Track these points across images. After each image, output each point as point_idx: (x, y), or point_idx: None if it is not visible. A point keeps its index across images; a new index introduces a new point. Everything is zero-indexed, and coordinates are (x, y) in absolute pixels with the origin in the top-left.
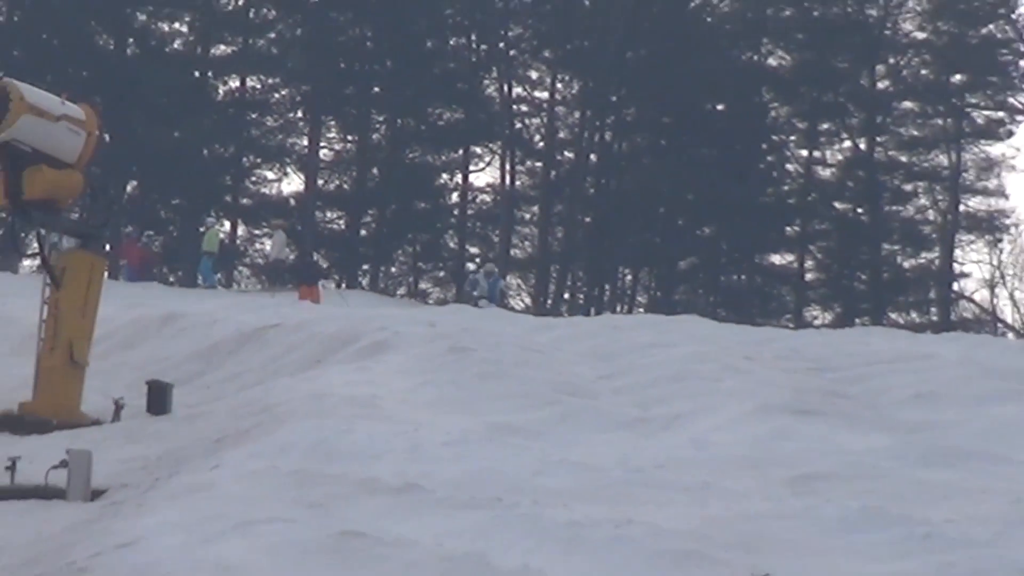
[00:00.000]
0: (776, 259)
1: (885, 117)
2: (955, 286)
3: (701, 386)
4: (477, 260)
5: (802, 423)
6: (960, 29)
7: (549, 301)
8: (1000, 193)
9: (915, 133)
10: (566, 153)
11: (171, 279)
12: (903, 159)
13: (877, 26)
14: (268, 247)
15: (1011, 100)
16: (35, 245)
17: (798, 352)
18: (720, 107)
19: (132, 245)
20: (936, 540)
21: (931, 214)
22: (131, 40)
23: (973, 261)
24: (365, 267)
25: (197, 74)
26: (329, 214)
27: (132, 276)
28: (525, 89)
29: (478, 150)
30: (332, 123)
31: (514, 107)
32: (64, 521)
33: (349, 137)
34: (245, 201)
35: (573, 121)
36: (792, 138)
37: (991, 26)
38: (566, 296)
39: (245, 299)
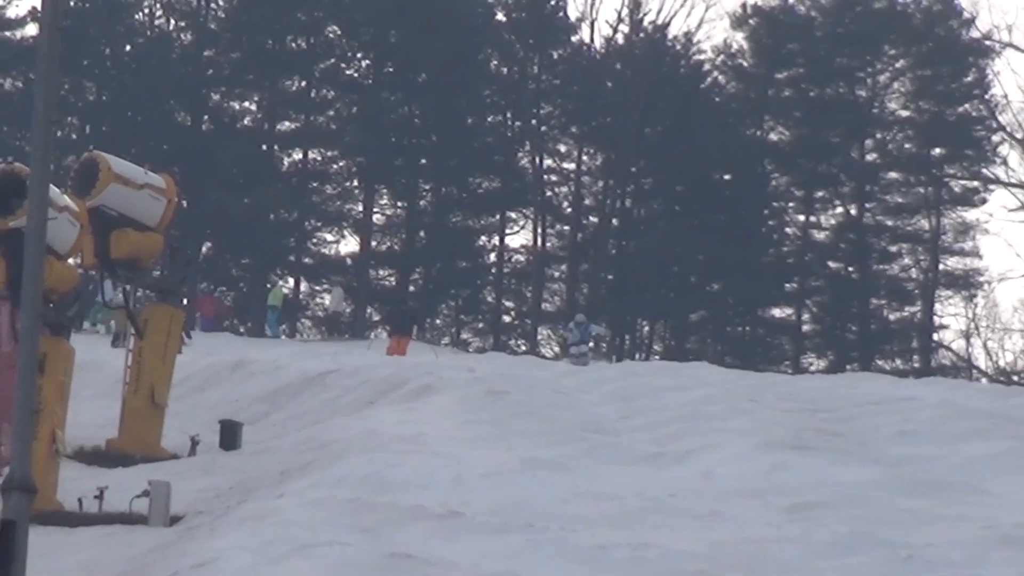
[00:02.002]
0: (776, 312)
1: (873, 186)
2: (935, 336)
3: (710, 425)
4: (576, 316)
5: (799, 457)
6: (940, 108)
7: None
8: (975, 254)
9: (900, 200)
10: (591, 218)
11: (241, 330)
12: (889, 223)
13: (866, 105)
14: (327, 301)
15: (985, 171)
16: (121, 299)
17: (796, 395)
18: (727, 176)
19: (207, 299)
20: (917, 561)
21: (914, 272)
22: (206, 117)
23: (951, 314)
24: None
25: (265, 147)
26: (381, 272)
27: (206, 327)
28: (555, 161)
29: (513, 215)
30: (384, 191)
31: (545, 177)
32: (146, 544)
33: (399, 203)
34: (307, 260)
35: (597, 189)
36: (791, 204)
37: (967, 105)
38: (591, 345)
39: (307, 348)
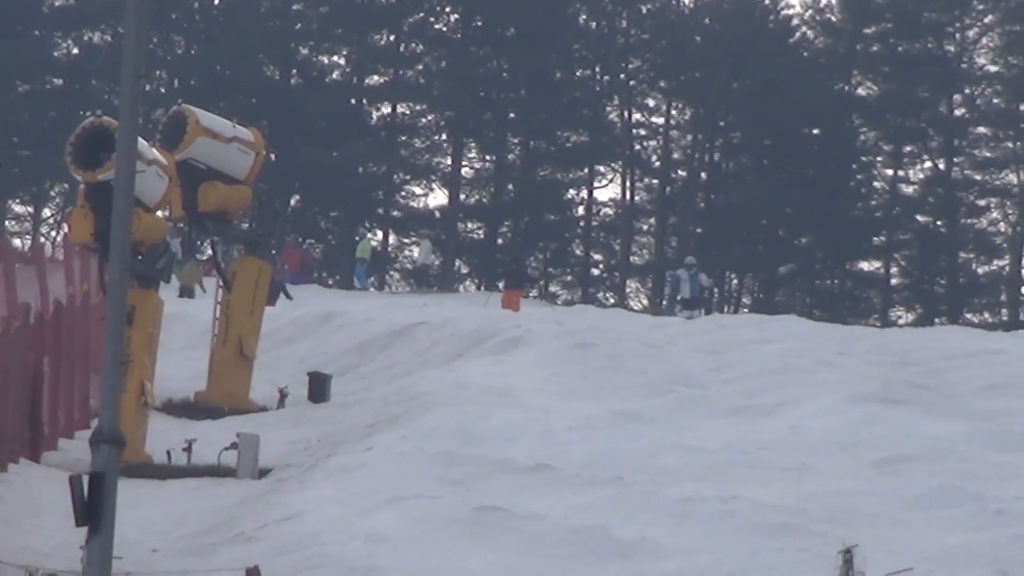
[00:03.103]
0: (865, 266)
1: (962, 140)
2: (1023, 290)
3: (798, 378)
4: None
5: (888, 411)
6: None
7: (664, 302)
8: None
9: (988, 155)
10: (679, 172)
11: (329, 282)
12: (977, 178)
13: (955, 60)
14: (416, 254)
15: None
16: (209, 251)
17: (884, 348)
18: (815, 131)
19: (292, 251)
20: (1007, 515)
21: (1002, 226)
22: (295, 71)
23: None
24: (501, 271)
25: (353, 101)
26: (470, 225)
27: (293, 279)
28: (643, 115)
29: (601, 169)
30: (472, 144)
31: (633, 131)
32: (234, 496)
33: (487, 157)
34: (395, 213)
35: (686, 143)
36: (879, 159)
37: None
38: (678, 298)
39: (395, 300)
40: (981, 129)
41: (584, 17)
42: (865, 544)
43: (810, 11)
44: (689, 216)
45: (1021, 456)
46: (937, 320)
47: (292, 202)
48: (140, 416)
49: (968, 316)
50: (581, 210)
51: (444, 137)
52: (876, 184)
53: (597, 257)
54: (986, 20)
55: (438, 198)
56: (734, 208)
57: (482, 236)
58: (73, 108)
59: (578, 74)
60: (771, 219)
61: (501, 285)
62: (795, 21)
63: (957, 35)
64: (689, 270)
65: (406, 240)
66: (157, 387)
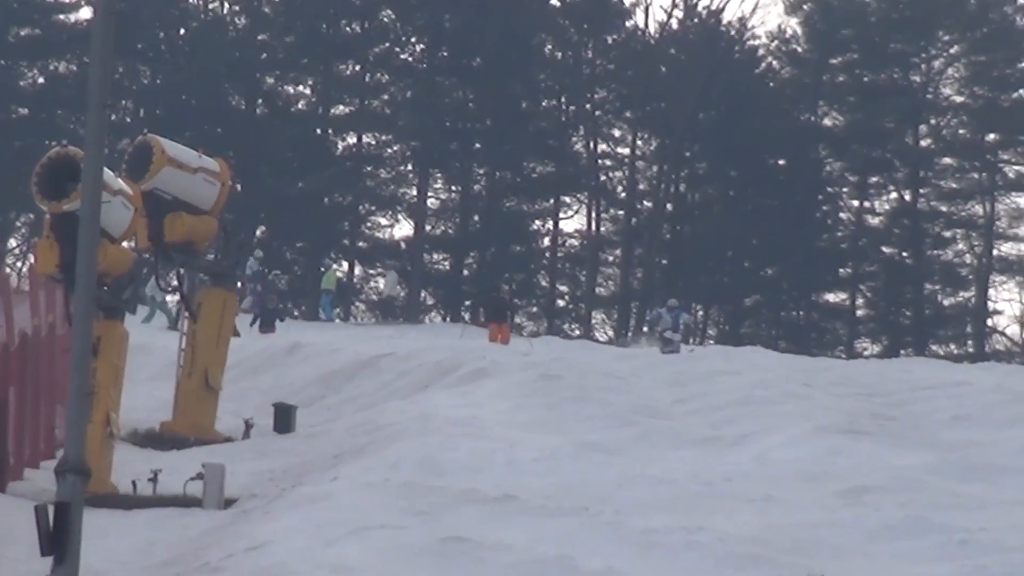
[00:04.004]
0: (831, 297)
1: (927, 171)
2: (989, 321)
3: (764, 409)
4: (669, 301)
5: (853, 442)
6: (994, 93)
7: (630, 333)
8: None
9: (954, 186)
10: (645, 202)
11: (295, 313)
12: (943, 209)
13: (920, 90)
14: (381, 285)
15: None
16: (175, 283)
17: (850, 379)
18: (781, 162)
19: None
20: (972, 546)
21: (968, 258)
22: (260, 100)
23: (1005, 300)
24: (467, 303)
25: (319, 131)
26: (436, 256)
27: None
28: (609, 145)
29: (567, 199)
30: (438, 175)
31: (599, 161)
32: (200, 526)
33: (453, 187)
34: (361, 244)
35: (651, 174)
36: (845, 190)
37: (1021, 91)
38: (645, 329)
39: (361, 331)
40: (947, 160)
41: (550, 47)
42: (830, 575)
43: (776, 41)
44: (655, 247)
45: (986, 487)
46: (903, 352)
47: (258, 232)
48: (106, 446)
49: (934, 348)
50: (547, 241)
51: (410, 167)
52: (842, 215)
53: (563, 288)
54: (952, 51)
55: (404, 229)
56: (700, 239)
57: (448, 267)
58: (39, 138)
59: (544, 104)
60: (737, 250)
61: (482, 318)
62: (761, 51)
63: (923, 66)
64: (671, 311)
65: (372, 271)
66: (123, 418)
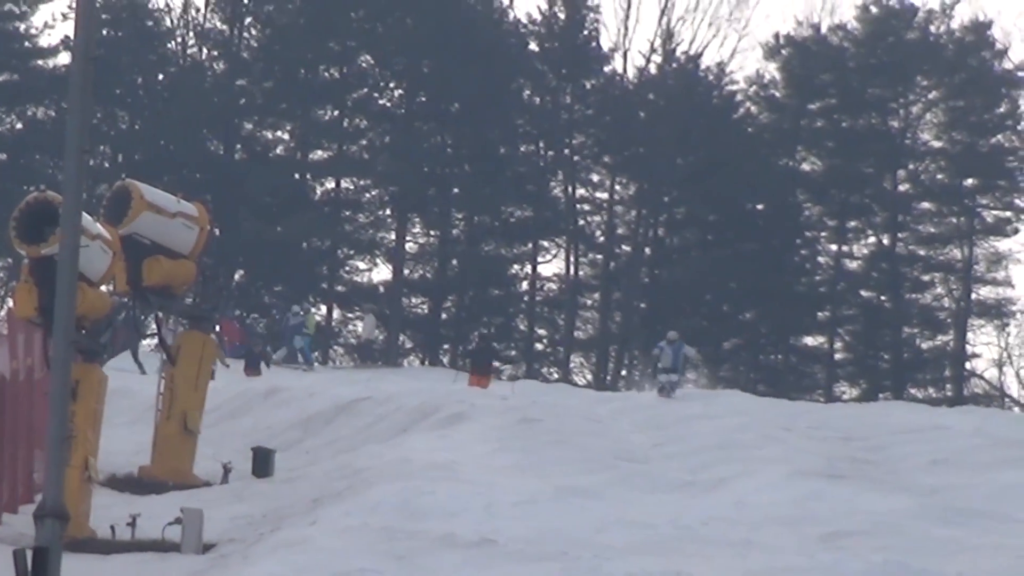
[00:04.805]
0: (809, 341)
1: (906, 216)
2: (967, 365)
3: (743, 453)
4: (668, 335)
5: (832, 486)
6: (972, 139)
7: (608, 377)
8: (1007, 283)
9: (932, 230)
10: (623, 247)
11: (273, 357)
12: (922, 253)
13: (898, 136)
14: (360, 329)
15: (1017, 201)
16: (153, 327)
17: (828, 423)
18: (760, 206)
19: (230, 324)
20: None
21: (946, 302)
22: (239, 146)
23: (983, 343)
24: (446, 347)
25: (297, 176)
26: (414, 299)
27: (235, 353)
28: (587, 190)
29: (545, 244)
30: (417, 219)
31: (577, 206)
32: (178, 571)
33: (432, 232)
34: (340, 288)
35: (630, 218)
36: (823, 234)
37: (1000, 136)
38: (623, 373)
39: (339, 375)
40: (925, 204)
41: (528, 92)
42: None
43: (754, 87)
44: (633, 291)
45: (965, 531)
46: (881, 395)
47: (236, 276)
48: (84, 491)
49: (912, 391)
50: (525, 285)
51: (388, 212)
52: (820, 259)
53: (541, 332)
54: (930, 96)
55: (382, 273)
56: (678, 283)
57: (426, 311)
58: (17, 183)
59: (522, 149)
60: (715, 294)
61: (468, 366)
62: (739, 97)
63: (901, 111)
64: (671, 344)
65: (350, 315)
66: (101, 462)
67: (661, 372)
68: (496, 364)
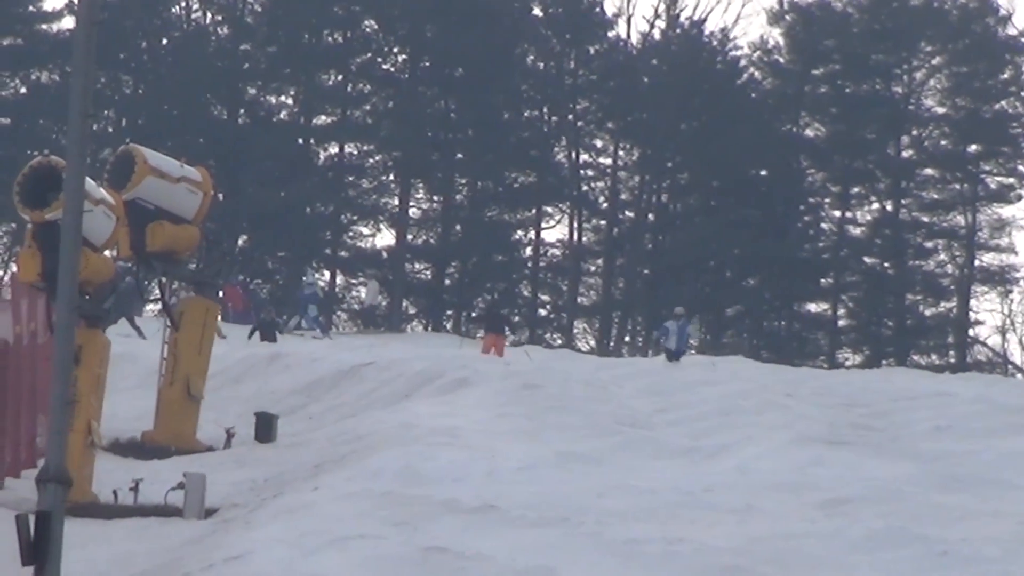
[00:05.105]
0: (812, 307)
1: (909, 182)
2: (970, 332)
3: (745, 419)
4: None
5: (834, 452)
6: (976, 105)
7: (611, 343)
8: (1011, 250)
9: (936, 196)
10: (627, 212)
11: (288, 326)
12: (925, 219)
13: (902, 102)
14: (363, 294)
15: (1020, 167)
16: (157, 292)
17: (831, 390)
18: (763, 172)
19: (234, 290)
20: (952, 557)
21: (949, 268)
22: (242, 111)
23: (987, 310)
24: (449, 312)
25: (301, 141)
26: (417, 265)
27: (237, 318)
28: (591, 156)
29: (549, 209)
30: (420, 185)
31: (581, 172)
32: (181, 536)
33: (435, 197)
34: (343, 254)
35: (633, 184)
36: (827, 200)
37: (1003, 102)
38: (627, 339)
39: (342, 340)
40: (929, 171)
41: (532, 58)
42: None
43: (758, 52)
44: (636, 257)
45: (967, 498)
46: (884, 362)
47: (240, 242)
48: (87, 456)
49: (915, 358)
50: (529, 251)
51: (392, 177)
52: (824, 226)
53: (544, 298)
54: (934, 62)
55: (385, 238)
56: (681, 249)
57: (430, 277)
58: (21, 147)
59: (526, 115)
60: (718, 260)
61: (481, 330)
62: (743, 62)
63: (905, 77)
64: (677, 320)
65: (353, 280)
66: (104, 427)
67: (666, 355)
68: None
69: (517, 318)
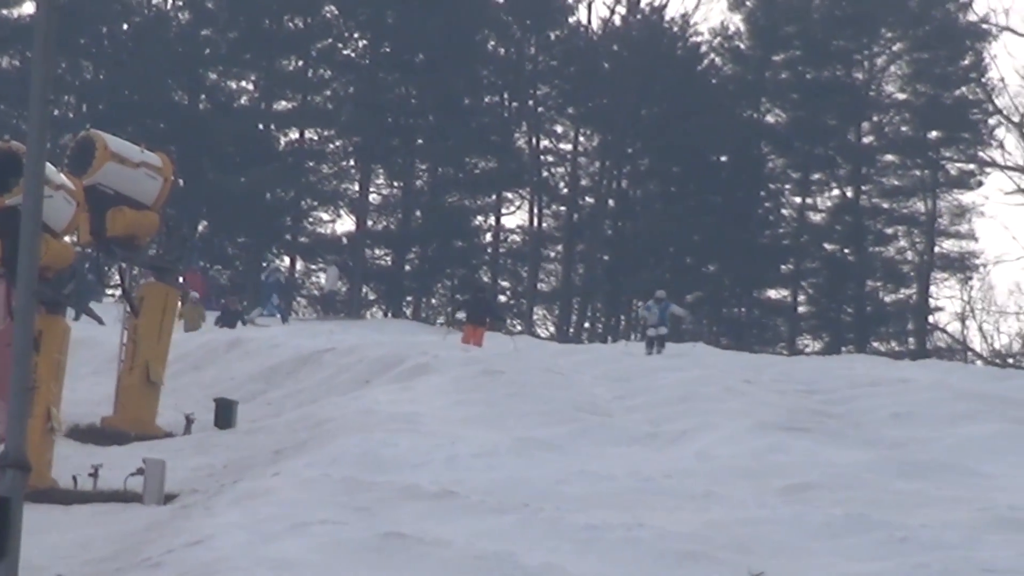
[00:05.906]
0: (772, 294)
1: (869, 168)
2: (930, 319)
3: (705, 406)
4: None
5: (794, 439)
6: (936, 91)
7: (571, 329)
8: (971, 236)
9: (896, 183)
10: (587, 198)
11: (249, 315)
12: (885, 206)
13: (863, 88)
14: (323, 280)
15: (981, 154)
16: (117, 277)
17: (791, 376)
18: (723, 158)
19: (195, 275)
20: (911, 543)
21: (909, 255)
22: (203, 96)
23: (946, 296)
24: (409, 299)
25: (261, 126)
26: (377, 251)
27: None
28: (551, 142)
29: (509, 195)
30: (380, 171)
31: (541, 157)
32: (140, 522)
33: (395, 183)
34: (303, 239)
35: (593, 170)
36: (787, 186)
37: (964, 88)
38: (586, 325)
39: (302, 327)
40: (889, 157)
41: (492, 43)
42: (771, 572)
43: (718, 38)
44: (596, 243)
45: (926, 484)
46: (844, 348)
47: (200, 228)
48: (46, 441)
49: (875, 344)
50: (489, 237)
51: (352, 163)
52: (784, 212)
53: (505, 284)
54: (894, 48)
55: (345, 224)
56: (641, 235)
57: (390, 263)
58: None
59: (486, 100)
60: (679, 246)
61: (463, 318)
62: (703, 48)
63: (866, 63)
64: (659, 303)
65: (313, 266)
66: (64, 412)
67: (650, 328)
68: (495, 319)
69: (512, 306)
